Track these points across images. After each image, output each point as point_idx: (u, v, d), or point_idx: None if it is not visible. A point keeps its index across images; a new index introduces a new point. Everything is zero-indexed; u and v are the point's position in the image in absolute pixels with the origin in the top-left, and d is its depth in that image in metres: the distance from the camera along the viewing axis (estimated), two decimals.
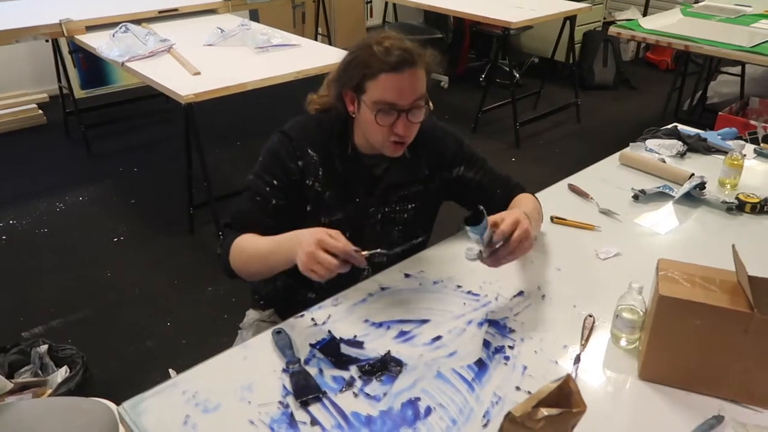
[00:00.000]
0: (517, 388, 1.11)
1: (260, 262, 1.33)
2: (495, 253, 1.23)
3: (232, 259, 1.35)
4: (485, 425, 1.03)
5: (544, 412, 0.79)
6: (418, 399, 1.08)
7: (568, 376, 0.83)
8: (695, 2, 4.52)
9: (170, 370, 2.08)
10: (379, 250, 1.22)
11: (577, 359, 1.18)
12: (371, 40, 1.29)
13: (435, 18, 4.85)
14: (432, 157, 1.47)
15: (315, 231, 1.18)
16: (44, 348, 2.05)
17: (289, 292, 1.52)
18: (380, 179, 1.43)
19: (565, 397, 0.82)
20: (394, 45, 1.26)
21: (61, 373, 1.99)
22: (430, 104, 1.36)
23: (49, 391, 1.91)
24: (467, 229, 1.20)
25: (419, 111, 1.31)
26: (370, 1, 5.28)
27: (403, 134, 1.31)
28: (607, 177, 1.87)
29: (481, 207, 1.19)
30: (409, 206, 1.47)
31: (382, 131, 1.30)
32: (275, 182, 1.39)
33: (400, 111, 1.28)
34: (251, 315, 1.62)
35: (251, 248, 1.33)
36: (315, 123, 1.43)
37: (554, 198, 1.73)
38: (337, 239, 1.16)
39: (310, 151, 1.39)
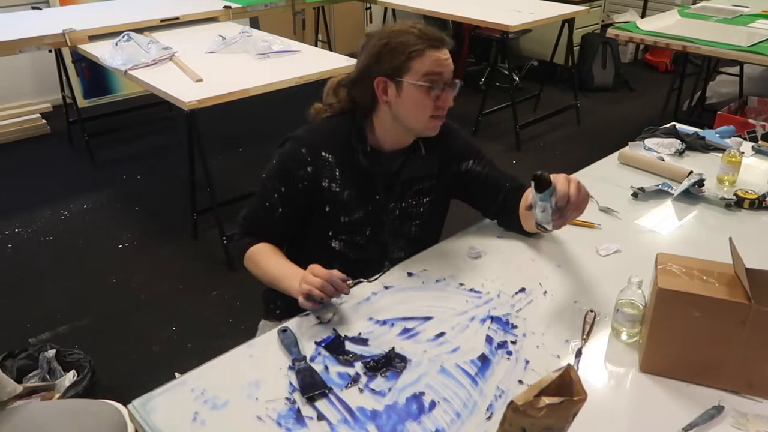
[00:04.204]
0: (520, 382, 1.13)
1: (270, 283, 1.44)
2: (561, 214, 1.26)
3: (247, 267, 1.48)
4: (489, 418, 1.05)
5: (546, 400, 0.81)
6: (422, 393, 1.10)
7: (569, 365, 0.85)
8: (693, 3, 4.56)
9: (176, 374, 2.09)
10: (360, 280, 1.33)
11: (579, 353, 1.19)
12: (401, 27, 1.37)
13: (434, 23, 4.88)
14: (442, 151, 1.51)
15: (301, 281, 1.27)
16: (52, 353, 2.07)
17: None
18: (398, 174, 1.46)
19: (566, 386, 0.84)
20: (426, 29, 1.37)
21: (69, 378, 2.01)
22: None
23: (57, 396, 1.93)
24: (537, 198, 1.24)
25: (454, 88, 1.38)
26: (370, 7, 5.31)
27: (447, 106, 1.38)
28: (606, 176, 1.89)
29: (540, 172, 1.22)
30: (424, 200, 1.51)
31: (427, 106, 1.36)
32: (283, 189, 1.43)
33: (445, 83, 1.35)
34: (266, 327, 1.61)
35: (261, 269, 1.44)
36: (328, 126, 1.47)
37: None
38: (314, 280, 1.25)
39: (324, 153, 1.42)
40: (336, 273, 1.25)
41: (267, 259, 1.44)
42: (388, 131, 1.43)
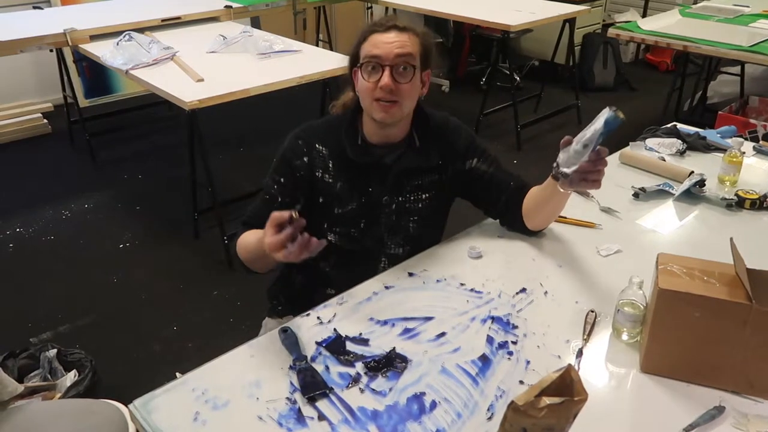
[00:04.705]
0: (521, 382, 1.13)
1: (261, 261, 1.37)
2: (590, 162, 1.32)
3: (241, 257, 1.44)
4: (489, 418, 1.05)
5: (547, 400, 0.81)
6: (423, 394, 1.10)
7: (570, 365, 0.85)
8: (693, 3, 4.55)
9: (177, 374, 2.09)
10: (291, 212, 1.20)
11: (580, 353, 1.19)
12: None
13: (435, 23, 4.88)
14: (444, 147, 1.50)
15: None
16: (53, 352, 2.07)
17: (308, 292, 1.54)
18: (391, 167, 1.46)
19: (566, 387, 0.84)
20: (383, 18, 1.41)
21: (70, 377, 2.01)
22: (424, 73, 1.42)
23: (59, 395, 1.93)
24: (601, 123, 1.26)
25: (406, 72, 1.36)
26: (371, 7, 5.31)
27: (387, 88, 1.34)
28: (607, 175, 1.85)
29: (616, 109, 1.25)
30: (424, 196, 1.50)
31: (369, 89, 1.36)
32: (282, 180, 1.46)
33: (384, 66, 1.34)
34: (270, 325, 1.62)
35: (247, 250, 1.40)
36: (324, 122, 1.52)
37: None
38: (273, 236, 1.17)
39: (317, 145, 1.45)
40: (276, 216, 1.16)
41: (249, 238, 1.39)
42: (368, 122, 1.44)
